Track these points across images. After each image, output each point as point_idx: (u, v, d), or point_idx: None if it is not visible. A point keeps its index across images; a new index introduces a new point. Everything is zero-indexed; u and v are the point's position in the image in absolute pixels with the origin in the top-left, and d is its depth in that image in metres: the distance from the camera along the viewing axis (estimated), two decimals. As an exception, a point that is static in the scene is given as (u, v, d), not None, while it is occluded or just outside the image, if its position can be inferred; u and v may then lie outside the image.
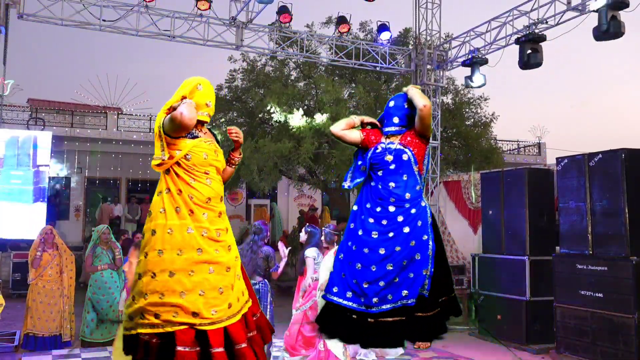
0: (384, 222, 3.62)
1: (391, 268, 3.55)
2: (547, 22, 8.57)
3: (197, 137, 3.34)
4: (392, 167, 3.69)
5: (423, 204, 3.69)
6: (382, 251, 3.57)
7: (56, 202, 16.65)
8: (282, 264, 5.83)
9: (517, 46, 8.82)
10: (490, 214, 8.65)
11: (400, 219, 3.60)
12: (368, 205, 3.70)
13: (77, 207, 18.35)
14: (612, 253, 6.55)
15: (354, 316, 3.58)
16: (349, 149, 12.26)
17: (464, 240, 11.33)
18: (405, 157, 3.72)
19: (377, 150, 3.74)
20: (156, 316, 3.13)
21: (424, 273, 3.57)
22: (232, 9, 9.36)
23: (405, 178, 3.67)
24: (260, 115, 13.57)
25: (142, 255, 3.27)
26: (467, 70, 9.89)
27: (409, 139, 3.77)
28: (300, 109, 12.63)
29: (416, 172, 3.72)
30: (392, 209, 3.63)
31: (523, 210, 7.95)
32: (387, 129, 3.83)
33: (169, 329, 3.11)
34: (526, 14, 8.86)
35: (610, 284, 6.49)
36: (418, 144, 3.74)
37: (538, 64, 8.50)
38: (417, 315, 3.61)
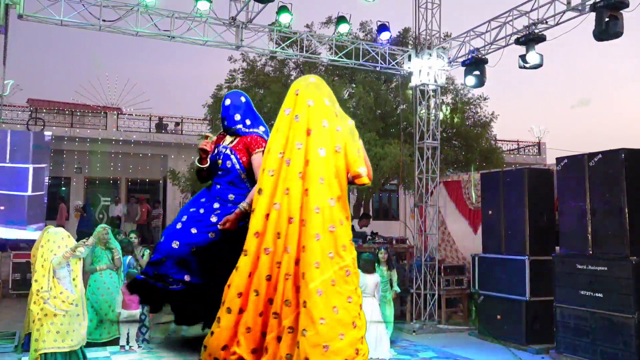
0: (202, 210, 3.77)
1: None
2: (546, 22, 8.56)
3: None
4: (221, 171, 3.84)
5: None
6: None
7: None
8: None
9: (518, 46, 8.81)
10: (490, 214, 8.65)
11: (217, 212, 3.72)
12: (202, 200, 3.88)
13: (76, 207, 18.33)
14: (612, 253, 6.55)
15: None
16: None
17: (464, 240, 11.33)
18: (228, 163, 3.79)
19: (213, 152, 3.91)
20: None
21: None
22: (232, 9, 9.35)
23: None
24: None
25: None
26: (465, 69, 9.86)
27: (240, 145, 3.84)
28: None
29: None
30: (216, 205, 3.78)
31: (523, 210, 7.94)
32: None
33: None
34: (526, 14, 8.85)
35: (610, 284, 6.48)
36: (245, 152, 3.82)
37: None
38: None
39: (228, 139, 3.88)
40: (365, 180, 3.13)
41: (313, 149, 3.03)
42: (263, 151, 3.71)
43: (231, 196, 3.72)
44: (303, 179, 3.02)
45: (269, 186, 3.08)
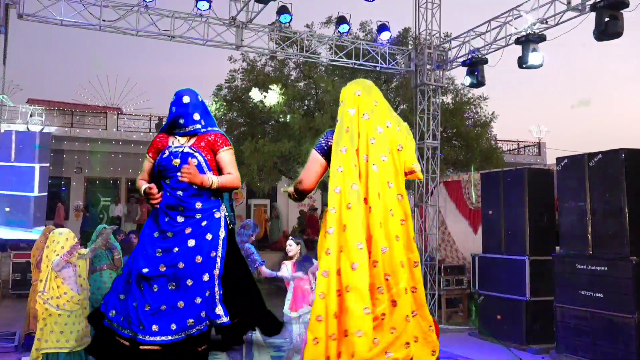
0: (170, 234, 3.44)
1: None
2: (547, 22, 8.57)
3: None
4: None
5: (217, 215, 3.52)
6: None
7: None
8: (273, 273, 5.81)
9: (518, 46, 8.81)
10: (490, 214, 8.65)
11: (188, 230, 3.41)
12: (166, 218, 3.48)
13: (77, 207, 18.35)
14: (612, 253, 6.54)
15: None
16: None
17: (464, 240, 11.32)
18: (194, 161, 3.48)
19: (164, 155, 3.57)
20: None
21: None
22: (232, 9, 9.35)
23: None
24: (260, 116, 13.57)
25: None
26: (468, 68, 9.86)
27: (202, 143, 3.59)
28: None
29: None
30: (180, 219, 3.45)
31: (523, 210, 7.94)
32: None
33: None
34: (526, 14, 8.85)
35: (610, 284, 6.48)
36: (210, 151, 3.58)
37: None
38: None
39: (182, 139, 3.62)
40: (420, 175, 3.29)
41: (384, 145, 3.13)
42: (231, 149, 3.63)
43: (198, 204, 3.45)
44: (378, 171, 3.09)
45: (356, 181, 3.09)
